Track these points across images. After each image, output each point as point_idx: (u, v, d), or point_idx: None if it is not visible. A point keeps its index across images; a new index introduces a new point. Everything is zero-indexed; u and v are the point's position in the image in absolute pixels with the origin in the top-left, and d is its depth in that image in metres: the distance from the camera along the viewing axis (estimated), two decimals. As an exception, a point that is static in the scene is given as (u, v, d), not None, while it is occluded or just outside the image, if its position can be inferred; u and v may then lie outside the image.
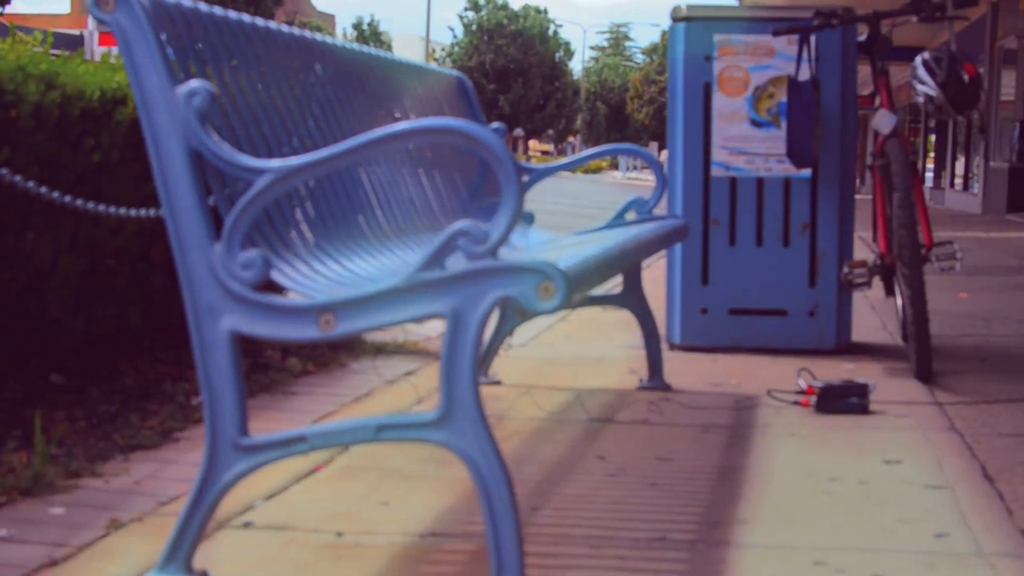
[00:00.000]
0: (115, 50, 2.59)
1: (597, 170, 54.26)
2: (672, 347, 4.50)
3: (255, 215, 1.94)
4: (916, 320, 3.85)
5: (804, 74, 4.21)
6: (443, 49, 62.26)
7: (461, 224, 1.81)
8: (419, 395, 3.62)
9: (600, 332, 4.89)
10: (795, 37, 4.28)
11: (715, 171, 4.46)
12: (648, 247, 3.07)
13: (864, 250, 5.44)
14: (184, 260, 1.93)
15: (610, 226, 3.62)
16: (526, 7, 58.89)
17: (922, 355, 3.86)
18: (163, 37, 1.95)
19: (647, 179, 42.26)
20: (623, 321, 4.21)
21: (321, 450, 2.09)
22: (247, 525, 2.36)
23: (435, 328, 4.47)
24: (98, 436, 2.97)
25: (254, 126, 2.23)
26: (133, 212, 3.11)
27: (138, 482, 2.65)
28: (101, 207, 3.00)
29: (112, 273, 3.41)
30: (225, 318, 1.91)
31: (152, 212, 3.10)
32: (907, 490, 2.68)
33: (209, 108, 1.91)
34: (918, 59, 4.22)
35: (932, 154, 24.34)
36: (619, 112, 65.58)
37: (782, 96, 4.38)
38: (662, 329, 4.11)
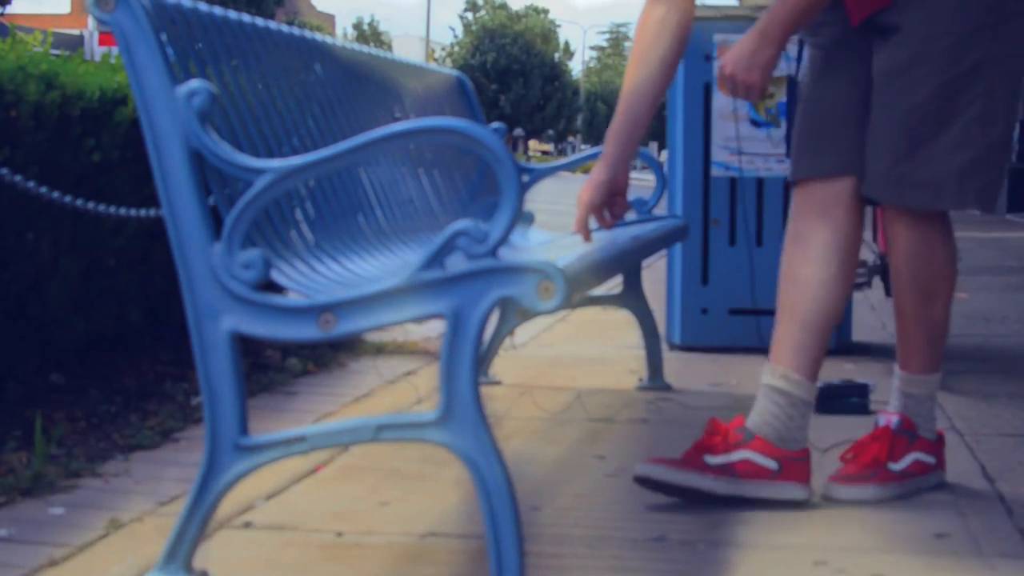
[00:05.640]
0: (115, 50, 2.59)
1: (597, 170, 54.07)
2: (672, 347, 4.49)
3: (255, 215, 1.94)
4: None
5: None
6: (443, 49, 62.20)
7: (461, 224, 1.81)
8: (419, 395, 3.62)
9: (600, 332, 4.89)
10: (795, 37, 4.27)
11: (715, 171, 4.46)
12: (648, 247, 3.07)
13: (864, 250, 5.44)
14: (184, 260, 1.93)
15: (610, 226, 3.61)
16: (524, 8, 58.85)
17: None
18: (163, 37, 1.95)
19: (647, 179, 42.14)
20: (623, 321, 4.21)
21: (321, 450, 2.09)
22: (247, 525, 2.36)
23: (435, 328, 4.46)
24: (98, 436, 2.97)
25: (254, 126, 2.23)
26: (133, 212, 3.11)
27: (138, 482, 2.65)
28: (101, 207, 3.00)
29: (112, 273, 3.41)
30: (225, 318, 1.91)
31: (152, 212, 3.10)
32: (907, 490, 2.68)
33: (209, 108, 1.91)
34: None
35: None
36: (619, 112, 65.30)
37: (782, 96, 4.37)
38: (662, 329, 4.11)
